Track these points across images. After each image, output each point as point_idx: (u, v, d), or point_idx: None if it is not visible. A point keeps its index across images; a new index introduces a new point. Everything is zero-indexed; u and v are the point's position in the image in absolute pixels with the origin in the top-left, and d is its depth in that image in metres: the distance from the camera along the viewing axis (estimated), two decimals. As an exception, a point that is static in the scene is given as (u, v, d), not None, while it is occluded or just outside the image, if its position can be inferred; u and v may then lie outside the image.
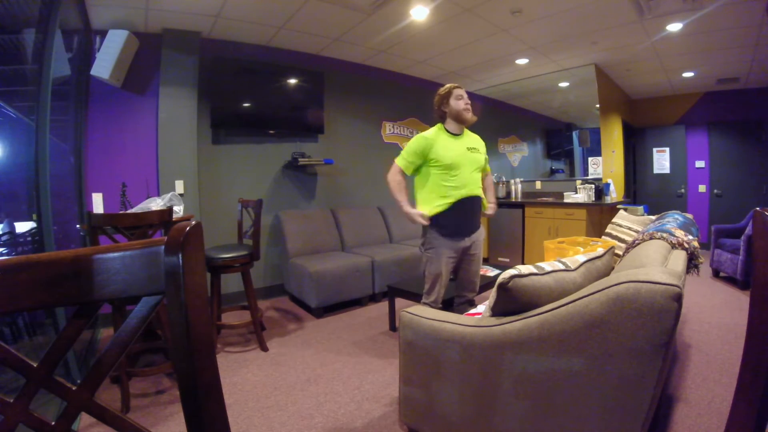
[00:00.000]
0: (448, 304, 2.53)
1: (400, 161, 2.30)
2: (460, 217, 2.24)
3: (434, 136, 2.26)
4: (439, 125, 2.32)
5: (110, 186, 3.18)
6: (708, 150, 5.94)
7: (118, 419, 0.46)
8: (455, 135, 2.29)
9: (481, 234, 2.38)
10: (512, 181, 5.68)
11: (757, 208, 0.54)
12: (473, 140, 2.37)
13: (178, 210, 2.59)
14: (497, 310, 1.35)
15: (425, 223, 2.23)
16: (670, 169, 6.25)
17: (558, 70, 5.05)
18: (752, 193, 5.54)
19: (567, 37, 3.98)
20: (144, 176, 3.36)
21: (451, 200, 2.23)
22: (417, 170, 2.30)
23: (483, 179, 2.45)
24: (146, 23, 3.22)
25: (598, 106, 5.06)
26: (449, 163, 2.20)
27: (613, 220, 2.67)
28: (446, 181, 2.23)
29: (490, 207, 2.48)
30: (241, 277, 2.76)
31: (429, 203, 2.26)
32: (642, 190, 6.46)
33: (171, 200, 2.59)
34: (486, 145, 2.45)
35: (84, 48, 3.11)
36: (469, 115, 2.27)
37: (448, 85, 2.31)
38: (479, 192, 2.34)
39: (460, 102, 2.25)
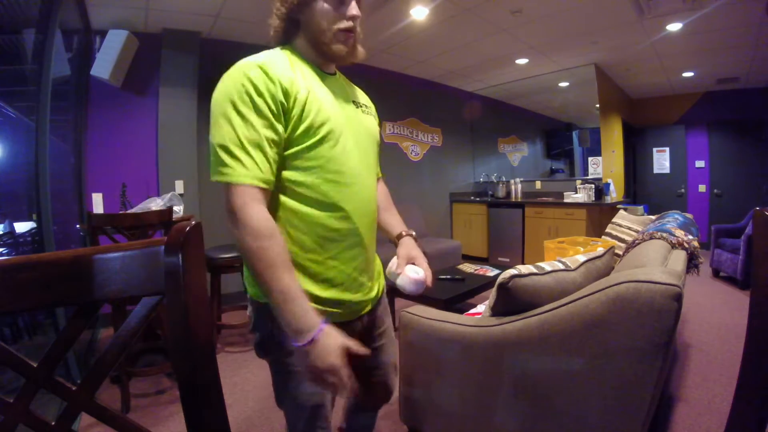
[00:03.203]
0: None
1: (236, 172, 0.84)
2: (354, 262, 0.97)
3: (284, 65, 0.90)
4: (285, 49, 0.97)
5: (110, 186, 3.17)
6: (708, 150, 5.93)
7: (118, 419, 0.46)
8: (325, 74, 1.01)
9: (386, 305, 1.17)
10: (512, 181, 5.68)
11: (757, 208, 0.54)
12: (355, 90, 1.14)
13: (178, 210, 2.59)
14: (497, 310, 1.35)
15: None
16: (670, 169, 6.24)
17: (558, 70, 5.04)
18: (752, 193, 5.53)
19: (567, 37, 3.98)
20: (144, 176, 3.35)
21: (342, 227, 0.93)
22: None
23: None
24: (146, 23, 3.22)
25: (598, 105, 5.06)
26: (330, 129, 0.90)
27: (613, 220, 2.67)
28: (326, 177, 0.90)
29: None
30: (241, 277, 2.75)
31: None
32: (642, 190, 6.46)
33: (171, 200, 2.59)
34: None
35: (84, 48, 3.12)
36: (345, 50, 1.01)
37: None
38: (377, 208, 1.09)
39: (327, 12, 0.94)
